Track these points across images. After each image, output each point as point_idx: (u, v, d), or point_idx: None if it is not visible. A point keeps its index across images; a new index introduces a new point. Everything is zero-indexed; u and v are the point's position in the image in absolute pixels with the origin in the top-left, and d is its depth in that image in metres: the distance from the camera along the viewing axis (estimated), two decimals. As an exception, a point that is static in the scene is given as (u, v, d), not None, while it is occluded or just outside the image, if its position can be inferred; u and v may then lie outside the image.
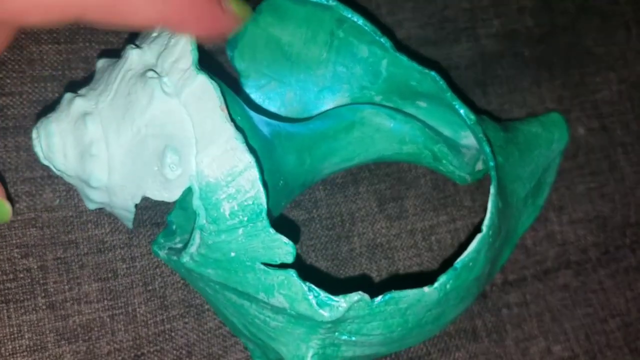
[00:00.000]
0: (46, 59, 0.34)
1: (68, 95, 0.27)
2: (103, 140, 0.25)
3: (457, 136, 0.38)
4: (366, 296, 0.25)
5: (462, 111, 0.32)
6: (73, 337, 0.32)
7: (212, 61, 0.37)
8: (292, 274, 0.25)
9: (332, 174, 0.37)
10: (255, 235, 0.24)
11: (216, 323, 0.35)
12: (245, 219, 0.24)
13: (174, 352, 0.34)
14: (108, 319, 0.33)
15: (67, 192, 0.34)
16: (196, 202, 0.24)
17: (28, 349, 0.32)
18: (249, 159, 0.24)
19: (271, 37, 0.35)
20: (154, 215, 0.35)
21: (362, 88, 0.36)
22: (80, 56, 0.35)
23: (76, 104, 0.26)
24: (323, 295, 0.25)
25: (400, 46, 0.41)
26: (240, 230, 0.24)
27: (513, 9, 0.45)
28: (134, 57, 0.26)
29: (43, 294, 0.32)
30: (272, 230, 0.24)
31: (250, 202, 0.24)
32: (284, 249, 0.24)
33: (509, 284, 0.40)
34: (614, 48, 0.47)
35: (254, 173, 0.24)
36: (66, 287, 0.33)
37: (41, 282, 0.32)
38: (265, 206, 0.24)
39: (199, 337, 0.34)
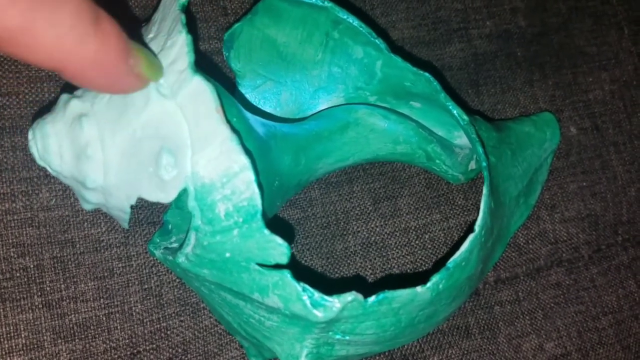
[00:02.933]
0: (42, 59, 0.34)
1: (64, 97, 0.27)
2: (99, 141, 0.26)
3: (450, 136, 0.38)
4: (360, 296, 0.25)
5: (455, 112, 0.32)
6: (69, 336, 0.33)
7: (208, 61, 0.38)
8: (286, 274, 0.25)
9: (327, 173, 0.37)
10: (250, 236, 0.24)
11: (212, 321, 0.35)
12: (241, 220, 0.24)
13: (170, 350, 0.34)
14: (104, 318, 0.33)
15: (64, 191, 0.34)
16: (191, 203, 0.25)
17: (25, 348, 0.32)
18: (244, 160, 0.24)
19: (267, 37, 0.35)
20: (150, 215, 0.35)
21: (357, 88, 0.37)
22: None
23: (72, 105, 0.27)
24: (317, 295, 0.25)
25: (394, 47, 0.41)
26: (235, 231, 0.25)
27: (506, 10, 0.45)
28: (130, 58, 0.26)
29: (39, 293, 0.33)
30: (267, 231, 0.24)
31: (246, 204, 0.24)
32: (278, 249, 0.24)
33: (502, 281, 0.41)
34: (606, 48, 0.47)
35: (250, 175, 0.24)
36: (62, 286, 0.33)
37: (38, 281, 0.33)
38: (261, 207, 0.24)
39: (195, 335, 0.35)
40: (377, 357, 0.37)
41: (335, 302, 0.25)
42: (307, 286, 0.25)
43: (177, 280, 0.35)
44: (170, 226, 0.33)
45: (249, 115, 0.29)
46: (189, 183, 0.24)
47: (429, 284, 0.27)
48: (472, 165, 0.39)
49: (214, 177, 0.24)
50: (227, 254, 0.25)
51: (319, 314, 0.25)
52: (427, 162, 0.38)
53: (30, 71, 0.34)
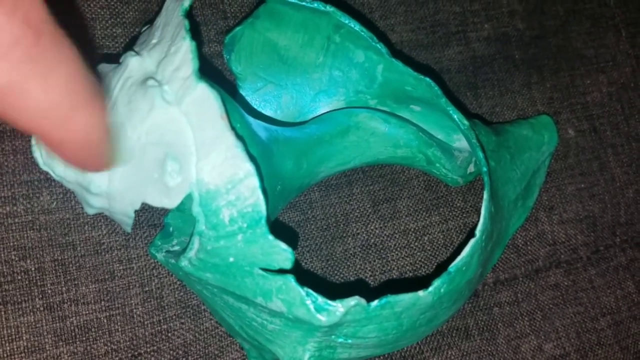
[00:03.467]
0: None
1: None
2: None
3: (450, 140, 0.38)
4: (363, 301, 0.26)
5: (455, 117, 0.32)
6: (71, 338, 0.33)
7: (208, 64, 0.38)
8: (290, 279, 0.25)
9: (328, 177, 0.37)
10: (254, 241, 0.25)
11: (213, 323, 0.35)
12: (245, 225, 0.24)
13: (171, 352, 0.34)
14: (105, 320, 0.33)
15: (64, 194, 0.34)
16: (196, 209, 0.25)
17: (26, 350, 0.32)
18: (249, 167, 0.24)
19: (268, 41, 0.35)
20: (151, 217, 0.35)
21: (358, 92, 0.37)
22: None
23: (76, 111, 0.27)
24: (321, 300, 0.25)
25: (393, 50, 0.41)
26: (240, 237, 0.25)
27: (504, 13, 0.45)
28: (133, 64, 0.26)
29: (41, 296, 0.33)
30: (271, 237, 0.24)
31: (250, 210, 0.24)
32: (282, 255, 0.25)
33: (501, 283, 0.41)
34: (604, 50, 0.47)
35: (254, 181, 0.24)
36: (64, 288, 0.33)
37: (39, 283, 0.33)
38: (265, 213, 0.24)
39: (196, 337, 0.35)
40: (378, 359, 0.37)
41: (339, 307, 0.25)
42: (310, 291, 0.25)
43: (178, 283, 0.35)
44: (171, 229, 0.33)
45: (251, 120, 0.29)
46: (194, 189, 0.24)
47: (430, 288, 0.28)
48: (471, 168, 0.39)
49: (219, 183, 0.24)
50: (231, 259, 0.25)
51: (322, 318, 0.25)
52: (427, 165, 0.38)
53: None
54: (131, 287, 0.34)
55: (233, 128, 0.24)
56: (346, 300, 0.25)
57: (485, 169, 0.32)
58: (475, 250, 0.29)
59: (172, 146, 0.24)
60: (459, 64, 0.43)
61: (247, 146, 0.24)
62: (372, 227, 0.39)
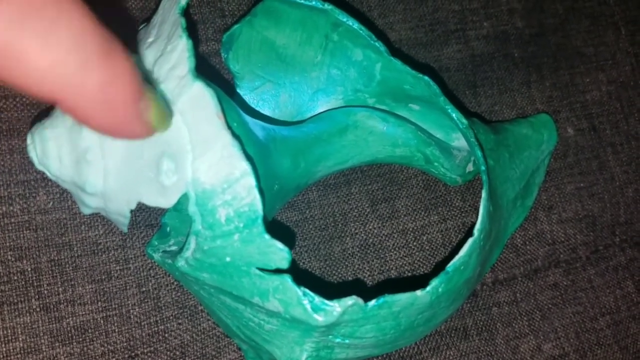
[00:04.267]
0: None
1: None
2: (99, 146, 0.25)
3: (448, 138, 0.38)
4: (360, 300, 0.25)
5: (454, 115, 0.32)
6: (67, 339, 0.33)
7: (205, 63, 0.37)
8: (287, 279, 0.25)
9: (326, 176, 0.37)
10: (251, 241, 0.24)
11: (210, 324, 0.35)
12: (241, 225, 0.24)
13: (168, 353, 0.34)
14: (102, 321, 0.33)
15: (61, 194, 0.34)
16: (192, 208, 0.25)
17: (22, 351, 0.32)
18: (245, 166, 0.24)
19: (266, 39, 0.35)
20: (148, 217, 0.35)
21: (356, 91, 0.36)
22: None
23: (71, 110, 0.26)
24: (318, 299, 0.25)
25: (392, 48, 0.41)
26: (236, 236, 0.25)
27: (503, 11, 0.45)
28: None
29: (37, 296, 0.32)
30: (267, 236, 0.24)
31: (247, 209, 0.24)
32: (279, 254, 0.24)
33: (499, 282, 0.41)
34: (604, 49, 0.47)
35: (251, 180, 0.24)
36: (60, 289, 0.33)
37: (35, 284, 0.32)
38: (262, 213, 0.24)
39: (193, 337, 0.35)
40: (376, 359, 0.37)
41: (336, 307, 0.25)
42: (307, 290, 0.25)
43: (175, 283, 0.35)
44: (168, 229, 0.33)
45: (248, 119, 0.29)
46: (190, 188, 0.24)
47: (428, 288, 0.27)
48: (470, 167, 0.39)
49: (215, 182, 0.24)
50: (228, 259, 0.25)
51: (319, 318, 0.25)
52: (426, 164, 0.38)
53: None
54: (128, 287, 0.34)
55: (229, 127, 0.24)
56: (343, 300, 0.25)
57: (483, 168, 0.31)
58: (474, 250, 0.29)
59: (168, 145, 0.24)
60: (458, 63, 0.43)
61: (244, 145, 0.24)
62: (370, 227, 0.39)
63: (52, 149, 0.26)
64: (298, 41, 0.35)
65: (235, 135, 0.24)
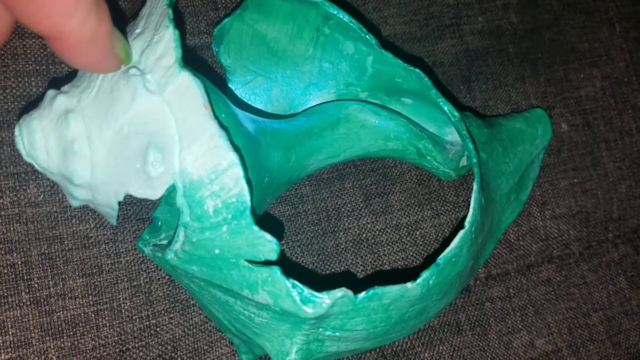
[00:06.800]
0: (30, 54, 0.34)
1: (50, 92, 0.27)
2: (85, 137, 0.25)
3: (441, 132, 0.38)
4: (349, 292, 0.25)
5: (446, 108, 0.32)
6: (58, 333, 0.32)
7: (197, 56, 0.37)
8: (275, 270, 0.25)
9: (318, 170, 0.37)
10: (239, 232, 0.24)
11: (202, 318, 0.35)
12: (229, 216, 0.24)
13: (160, 347, 0.34)
14: (93, 315, 0.33)
15: (52, 187, 0.33)
16: (180, 200, 0.24)
17: (12, 345, 0.32)
18: (232, 156, 0.23)
19: (257, 33, 0.34)
20: (139, 211, 0.35)
21: (348, 84, 0.36)
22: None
23: (59, 101, 0.26)
24: (307, 291, 0.25)
25: (386, 43, 0.41)
26: (224, 228, 0.24)
27: (498, 6, 0.45)
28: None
29: (27, 290, 0.32)
30: (256, 228, 0.24)
31: (234, 200, 0.24)
32: (267, 246, 0.24)
33: (493, 278, 0.41)
34: (598, 44, 0.47)
35: (238, 171, 0.24)
36: (51, 282, 0.33)
37: (25, 277, 0.32)
38: (249, 204, 0.24)
39: (185, 332, 0.34)
40: (368, 354, 0.37)
41: (325, 298, 0.25)
42: (296, 282, 0.25)
43: (167, 277, 0.35)
44: (159, 223, 0.33)
45: (238, 111, 0.29)
46: (177, 179, 0.24)
47: (419, 280, 0.27)
48: (464, 161, 0.39)
49: (202, 173, 0.24)
50: (217, 251, 0.25)
51: (308, 310, 0.25)
52: (419, 158, 0.38)
53: (17, 65, 0.34)
54: (119, 281, 0.34)
55: (217, 118, 0.24)
56: (333, 292, 0.25)
57: (475, 160, 0.31)
58: (465, 242, 0.29)
59: (155, 135, 0.24)
60: (452, 57, 0.43)
61: (232, 136, 0.24)
62: (363, 222, 0.39)
63: (40, 141, 0.26)
64: (289, 35, 0.35)
65: (222, 126, 0.24)
